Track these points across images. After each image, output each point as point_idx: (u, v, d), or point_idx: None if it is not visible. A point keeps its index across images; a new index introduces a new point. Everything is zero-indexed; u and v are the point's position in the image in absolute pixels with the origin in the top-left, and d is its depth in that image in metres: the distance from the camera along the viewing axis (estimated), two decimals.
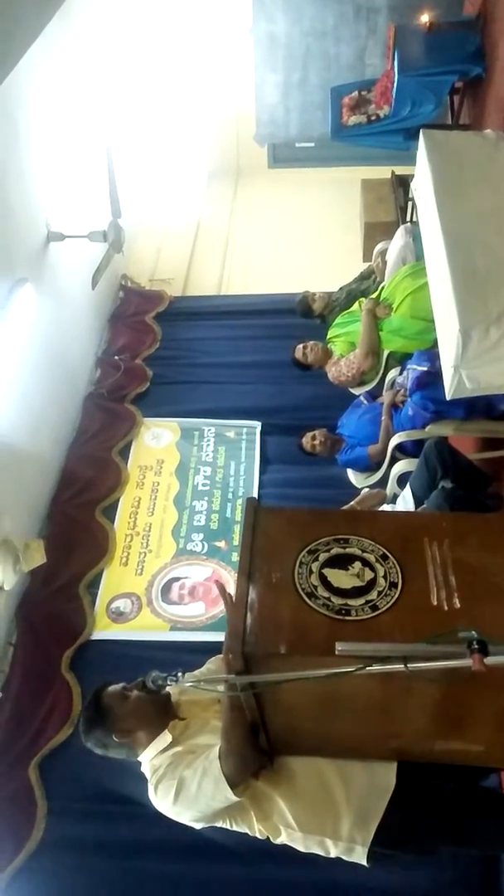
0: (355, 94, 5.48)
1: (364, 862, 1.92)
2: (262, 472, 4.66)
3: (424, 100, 4.93)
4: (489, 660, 1.38)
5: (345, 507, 3.40)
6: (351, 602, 1.67)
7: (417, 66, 4.91)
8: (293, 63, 6.32)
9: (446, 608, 1.64)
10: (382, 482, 3.73)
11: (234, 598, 1.98)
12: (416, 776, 1.92)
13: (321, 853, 1.95)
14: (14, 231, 3.95)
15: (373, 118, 5.28)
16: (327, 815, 1.90)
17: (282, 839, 1.95)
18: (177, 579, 4.11)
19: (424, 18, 5.05)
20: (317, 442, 4.13)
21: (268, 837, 1.97)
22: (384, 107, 5.19)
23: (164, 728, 2.01)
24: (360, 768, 1.92)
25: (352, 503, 3.46)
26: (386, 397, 3.92)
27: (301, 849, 1.96)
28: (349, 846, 1.90)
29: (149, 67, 6.41)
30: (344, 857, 1.94)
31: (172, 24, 6.66)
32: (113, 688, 2.09)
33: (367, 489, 3.69)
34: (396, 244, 4.56)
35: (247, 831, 1.98)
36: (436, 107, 4.98)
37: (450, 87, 5.07)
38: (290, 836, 1.94)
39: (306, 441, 4.18)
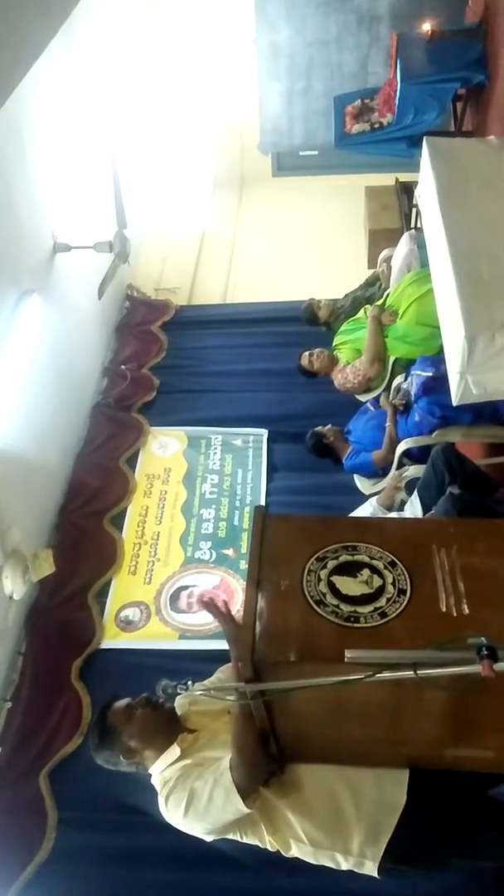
0: (358, 102, 5.51)
1: (375, 875, 1.92)
2: (269, 480, 4.66)
3: (427, 107, 4.95)
4: (499, 666, 1.38)
5: (382, 494, 3.47)
6: (360, 609, 1.67)
7: (420, 74, 4.93)
8: (296, 72, 6.35)
9: (455, 614, 1.64)
10: None
11: (226, 610, 1.98)
12: (427, 791, 1.91)
13: (332, 866, 1.95)
14: (21, 242, 3.97)
15: (376, 126, 5.30)
16: (338, 830, 1.89)
17: (292, 852, 1.95)
18: (185, 588, 4.11)
19: (426, 27, 5.07)
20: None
21: (278, 850, 1.97)
22: (387, 115, 5.22)
23: (171, 743, 2.01)
24: (370, 783, 1.91)
25: (382, 493, 3.49)
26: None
27: (312, 861, 1.96)
28: (359, 861, 1.90)
29: (153, 78, 6.46)
30: (355, 870, 1.93)
31: (176, 34, 6.71)
32: (117, 705, 2.10)
33: (396, 473, 3.65)
34: (401, 251, 4.57)
35: (258, 843, 1.98)
36: (439, 114, 5.00)
37: (452, 94, 5.09)
38: (300, 850, 1.94)
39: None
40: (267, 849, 1.98)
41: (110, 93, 5.36)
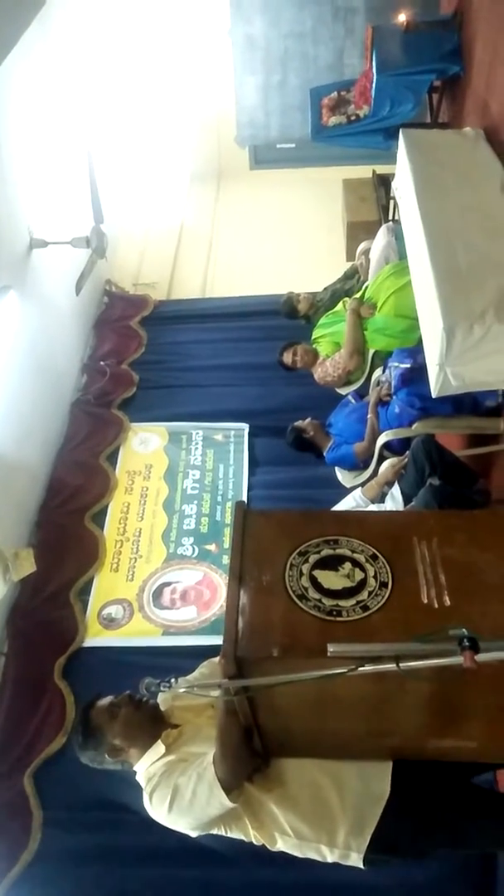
0: (334, 94, 5.49)
1: (360, 866, 1.93)
2: (250, 474, 4.65)
3: (403, 99, 4.94)
4: (480, 657, 1.39)
5: (369, 485, 3.41)
6: (342, 603, 1.67)
7: (395, 66, 4.92)
8: (272, 65, 6.34)
9: (437, 606, 1.64)
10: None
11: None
12: (410, 781, 1.92)
13: (317, 858, 1.95)
14: None
15: (352, 118, 5.29)
16: (322, 823, 1.90)
17: (278, 846, 1.95)
18: (168, 584, 4.09)
19: (401, 18, 5.07)
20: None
21: (264, 844, 1.97)
22: (363, 107, 5.21)
23: (155, 740, 2.01)
24: (354, 775, 1.92)
25: (371, 483, 3.45)
26: (372, 396, 3.93)
27: (297, 854, 1.96)
28: (345, 853, 1.91)
29: (128, 71, 6.41)
30: (341, 862, 1.94)
31: (151, 27, 6.66)
32: (100, 704, 2.09)
33: (386, 464, 3.61)
34: (379, 243, 4.57)
35: (243, 838, 1.98)
36: (415, 106, 5.00)
37: (428, 85, 5.09)
38: (285, 843, 1.94)
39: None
40: (252, 843, 1.98)
41: (86, 86, 5.31)
